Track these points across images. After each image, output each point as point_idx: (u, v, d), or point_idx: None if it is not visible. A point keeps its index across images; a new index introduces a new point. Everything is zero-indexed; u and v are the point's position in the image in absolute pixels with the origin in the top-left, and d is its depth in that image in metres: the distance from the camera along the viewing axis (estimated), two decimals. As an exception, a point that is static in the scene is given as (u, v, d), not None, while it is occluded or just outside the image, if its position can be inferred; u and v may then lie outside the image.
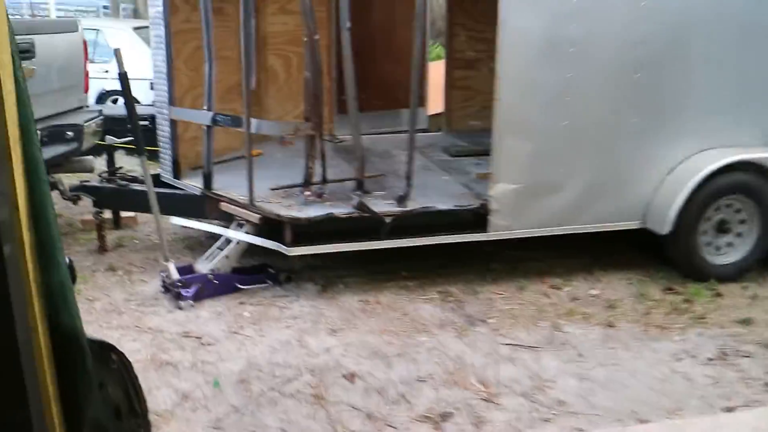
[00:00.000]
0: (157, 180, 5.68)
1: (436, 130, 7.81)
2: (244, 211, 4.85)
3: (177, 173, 5.51)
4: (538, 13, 4.46)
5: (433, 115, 7.93)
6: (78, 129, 6.06)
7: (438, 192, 5.15)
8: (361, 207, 4.59)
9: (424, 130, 7.72)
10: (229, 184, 5.31)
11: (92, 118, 6.34)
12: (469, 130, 7.31)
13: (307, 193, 4.83)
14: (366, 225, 4.69)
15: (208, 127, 5.06)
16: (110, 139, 5.95)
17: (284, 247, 4.64)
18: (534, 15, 4.45)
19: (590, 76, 4.66)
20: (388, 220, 4.62)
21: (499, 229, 4.81)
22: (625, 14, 4.61)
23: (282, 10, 6.60)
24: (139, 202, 5.47)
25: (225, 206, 5.03)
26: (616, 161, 4.90)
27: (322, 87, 4.62)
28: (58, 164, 6.01)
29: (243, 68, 4.64)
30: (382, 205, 4.78)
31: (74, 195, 5.64)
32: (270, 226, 4.75)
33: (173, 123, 5.39)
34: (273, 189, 5.20)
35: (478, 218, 4.81)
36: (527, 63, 4.55)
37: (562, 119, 4.69)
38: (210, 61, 5.07)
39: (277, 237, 4.71)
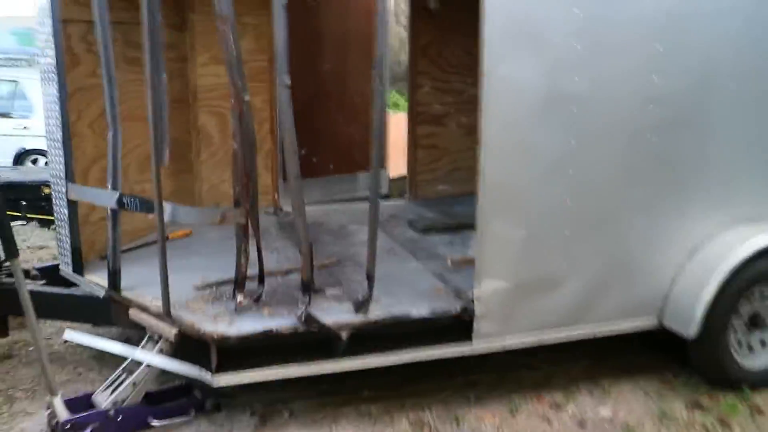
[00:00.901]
0: (55, 274, 4.53)
1: (399, 194, 6.81)
2: (158, 323, 3.73)
3: (78, 266, 4.36)
4: (533, 61, 3.48)
5: (395, 179, 6.93)
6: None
7: (406, 288, 4.09)
8: (309, 320, 3.51)
9: (385, 197, 6.72)
10: (146, 280, 4.18)
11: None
12: (437, 196, 6.32)
13: (240, 298, 3.73)
14: (316, 339, 3.60)
15: (113, 210, 3.96)
16: None
17: (208, 375, 3.52)
18: (528, 64, 3.47)
19: (597, 140, 3.69)
20: (344, 335, 3.54)
21: (486, 338, 3.77)
22: (639, 65, 3.66)
23: (215, 60, 5.55)
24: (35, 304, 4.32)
25: (134, 315, 3.91)
26: (627, 244, 3.91)
27: (255, 161, 3.56)
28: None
29: (151, 137, 3.56)
30: (336, 313, 3.70)
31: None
32: (192, 343, 3.63)
33: (72, 203, 4.26)
34: (198, 287, 4.10)
35: (459, 325, 3.77)
36: (519, 125, 3.56)
37: (562, 195, 3.69)
38: (115, 127, 3.99)
39: (201, 357, 3.59)
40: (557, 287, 3.80)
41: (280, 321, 3.58)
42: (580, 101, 3.60)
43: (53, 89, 4.20)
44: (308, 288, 3.63)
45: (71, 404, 3.63)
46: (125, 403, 3.65)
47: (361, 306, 3.67)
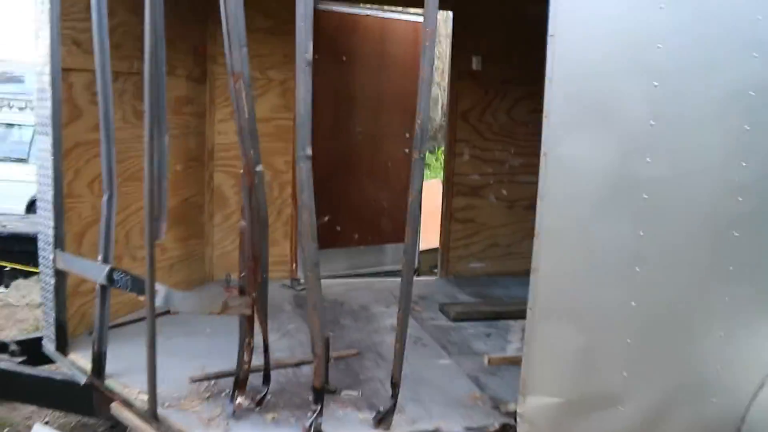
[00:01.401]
0: (38, 349, 4.00)
1: (430, 269, 6.24)
2: (141, 424, 3.16)
3: (63, 343, 3.82)
4: (600, 139, 2.93)
5: (425, 251, 6.37)
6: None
7: (436, 392, 3.49)
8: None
9: (414, 272, 6.13)
10: (139, 365, 3.63)
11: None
12: (472, 274, 5.73)
13: (239, 400, 3.15)
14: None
15: (102, 286, 3.43)
16: None
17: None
18: (595, 142, 2.92)
19: (670, 234, 3.09)
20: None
21: (530, 465, 3.14)
22: (723, 146, 3.09)
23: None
24: (9, 388, 3.79)
25: (116, 410, 3.34)
26: (701, 358, 3.28)
27: (266, 242, 3.02)
28: None
29: (145, 208, 3.05)
30: (352, 425, 3.11)
31: None
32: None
33: (60, 273, 3.75)
34: (195, 380, 3.53)
35: (497, 447, 3.15)
36: (581, 212, 2.98)
37: (628, 298, 3.09)
38: (110, 190, 3.50)
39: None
40: (616, 406, 3.16)
41: (284, 430, 2.98)
42: (652, 187, 3.02)
43: (47, 143, 3.72)
44: (320, 397, 3.04)
45: None
46: None
47: (382, 420, 3.07)
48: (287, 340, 4.23)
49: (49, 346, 3.90)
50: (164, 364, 3.49)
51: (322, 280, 5.43)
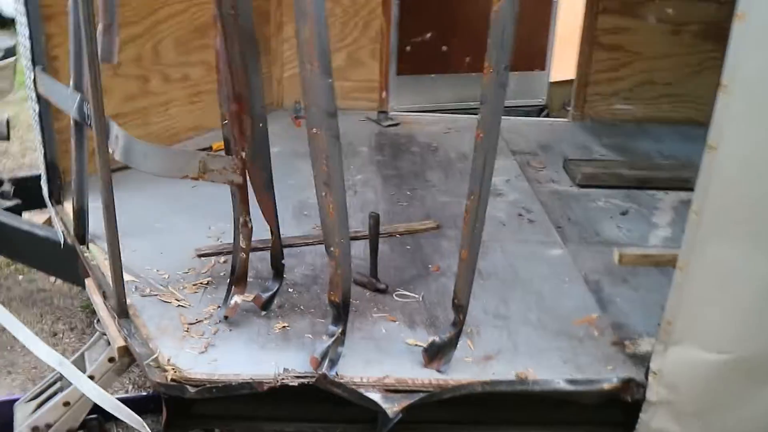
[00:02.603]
0: (37, 192, 3.16)
1: (562, 106, 4.91)
2: (107, 318, 2.28)
3: (55, 187, 2.97)
4: None
5: (557, 83, 4.99)
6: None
7: (531, 308, 2.37)
8: (326, 382, 1.90)
9: (541, 109, 4.84)
10: (138, 226, 2.76)
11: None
12: (615, 118, 4.37)
13: (236, 299, 2.17)
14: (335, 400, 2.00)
15: (76, 123, 2.46)
16: None
17: (153, 434, 2.06)
18: None
19: None
20: (394, 409, 1.90)
21: (660, 443, 2.01)
22: None
23: None
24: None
25: (90, 289, 2.48)
26: None
27: (258, 68, 1.89)
28: None
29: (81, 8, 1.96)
30: (391, 355, 2.07)
31: None
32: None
33: (44, 100, 2.81)
34: (200, 254, 2.59)
35: (611, 407, 2.04)
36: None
37: None
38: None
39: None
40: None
41: (281, 358, 1.99)
42: None
43: None
44: (341, 316, 1.99)
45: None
46: (51, 430, 2.30)
47: (435, 356, 2.00)
48: (347, 199, 3.17)
49: (44, 189, 3.07)
50: (176, 225, 2.64)
51: (417, 115, 4.31)
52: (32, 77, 2.80)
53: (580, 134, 4.21)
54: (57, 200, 2.96)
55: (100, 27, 2.04)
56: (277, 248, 2.15)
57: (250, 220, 2.07)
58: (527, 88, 4.85)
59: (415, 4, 4.29)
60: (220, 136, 2.05)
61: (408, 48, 4.36)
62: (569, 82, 4.64)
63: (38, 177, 3.14)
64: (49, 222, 3.09)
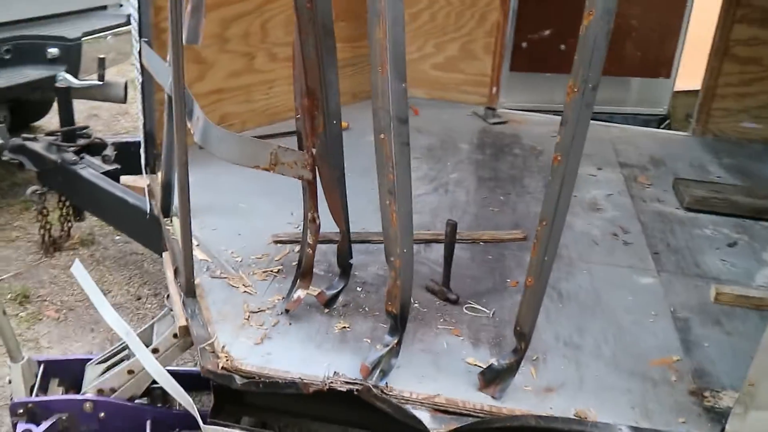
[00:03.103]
0: (131, 157, 3.25)
1: (684, 118, 4.61)
2: (174, 295, 2.30)
3: (150, 158, 3.04)
4: None
5: (681, 92, 4.69)
6: (69, 45, 3.75)
7: (607, 338, 2.21)
8: (368, 393, 1.84)
9: (662, 119, 4.57)
10: (225, 202, 2.80)
11: (108, 28, 3.98)
12: (740, 136, 4.06)
13: (299, 293, 2.14)
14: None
15: (168, 98, 2.49)
16: (65, 79, 3.51)
17: (199, 417, 2.05)
18: None
19: None
20: (440, 430, 1.82)
21: None
22: None
23: None
24: (85, 195, 3.14)
25: (165, 263, 2.52)
26: None
27: (333, 66, 1.83)
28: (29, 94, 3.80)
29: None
30: (446, 373, 1.99)
31: (13, 156, 3.38)
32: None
33: (146, 71, 2.86)
34: (276, 240, 2.59)
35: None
36: None
37: None
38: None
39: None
40: None
41: (335, 360, 1.94)
42: None
43: None
44: (398, 326, 1.92)
45: (54, 368, 2.44)
46: (114, 395, 2.35)
47: (491, 382, 1.90)
48: (437, 197, 3.10)
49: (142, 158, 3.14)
50: (259, 207, 2.67)
51: (525, 114, 4.14)
52: (138, 48, 2.86)
53: (699, 151, 3.93)
54: (152, 170, 3.03)
55: (188, 8, 2.03)
56: (344, 247, 2.10)
57: (318, 216, 2.02)
58: (649, 96, 4.58)
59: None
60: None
61: (524, 44, 4.19)
62: (695, 92, 4.34)
63: (137, 142, 3.23)
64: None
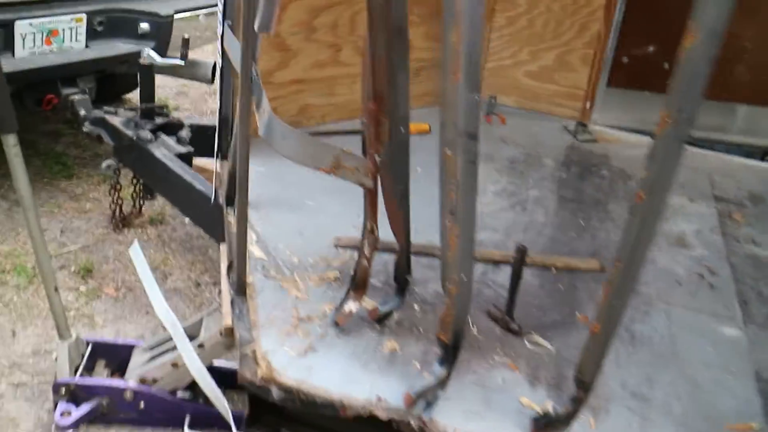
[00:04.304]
0: (207, 140, 3.20)
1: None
2: (225, 292, 2.23)
3: (222, 145, 2.98)
4: None
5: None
6: (160, 22, 3.75)
7: (679, 394, 2.01)
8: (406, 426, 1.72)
9: (766, 152, 4.25)
10: (291, 198, 2.72)
11: (200, 7, 3.97)
12: None
13: (350, 306, 2.03)
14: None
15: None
16: (149, 56, 3.47)
17: (233, 423, 1.97)
18: None
19: None
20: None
21: None
22: None
23: None
24: (154, 175, 3.12)
25: (221, 257, 2.46)
26: None
27: (405, 71, 1.70)
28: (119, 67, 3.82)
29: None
30: (496, 412, 1.84)
31: (92, 128, 3.39)
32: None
33: (226, 57, 2.80)
34: (339, 244, 2.49)
35: None
36: None
37: None
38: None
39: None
40: None
41: (380, 383, 1.83)
42: None
43: None
44: (449, 356, 1.78)
45: (102, 349, 2.42)
46: (156, 386, 2.31)
47: (545, 426, 1.75)
48: (513, 215, 2.93)
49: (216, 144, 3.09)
50: (326, 206, 2.58)
51: (619, 132, 3.90)
52: (221, 32, 2.80)
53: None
54: (224, 156, 2.97)
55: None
56: (402, 262, 1.98)
57: (377, 227, 1.90)
58: (756, 126, 4.26)
59: (642, 13, 3.85)
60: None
61: (625, 59, 3.95)
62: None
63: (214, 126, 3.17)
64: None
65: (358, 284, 2.03)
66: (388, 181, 1.77)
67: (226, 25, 2.73)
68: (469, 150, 1.51)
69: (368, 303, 2.08)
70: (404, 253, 1.96)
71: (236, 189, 2.02)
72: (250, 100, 1.92)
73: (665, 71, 4.07)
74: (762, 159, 4.25)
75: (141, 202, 3.52)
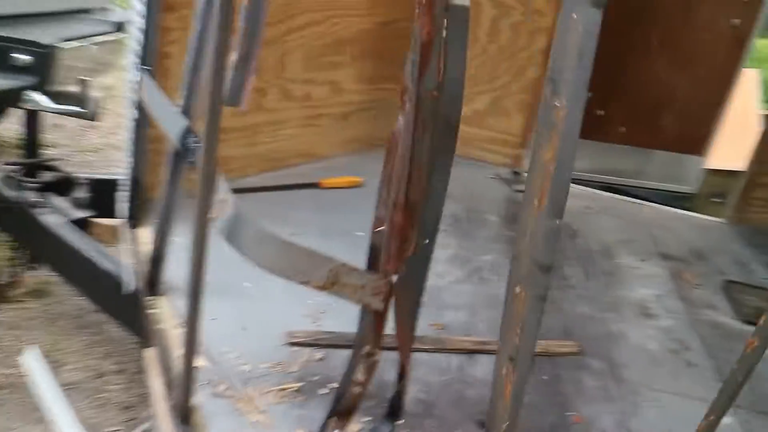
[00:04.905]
0: (106, 198, 2.70)
1: (713, 197, 4.26)
2: (164, 419, 1.78)
3: (134, 211, 2.49)
4: None
5: (713, 171, 4.33)
6: (41, 52, 3.18)
7: None
8: None
9: (684, 197, 4.21)
10: (225, 282, 2.27)
11: (87, 35, 3.42)
12: (781, 231, 3.71)
13: (333, 436, 1.64)
14: None
15: (176, 153, 1.97)
16: (34, 101, 2.91)
17: None
18: None
19: None
20: None
21: None
22: None
23: None
24: (44, 246, 2.58)
25: (146, 363, 1.99)
26: None
27: (445, 172, 1.35)
28: None
29: (214, 34, 1.45)
30: None
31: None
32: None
33: (142, 107, 2.33)
34: (294, 341, 2.08)
35: None
36: None
37: None
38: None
39: None
40: None
41: None
42: None
43: None
44: None
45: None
46: None
47: None
48: (471, 287, 2.63)
49: (121, 210, 2.59)
50: (268, 289, 2.24)
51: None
52: (137, 78, 2.33)
53: (738, 243, 3.55)
54: (135, 224, 2.49)
55: (233, 56, 1.53)
56: (403, 390, 1.62)
57: (379, 353, 1.53)
58: (677, 172, 4.22)
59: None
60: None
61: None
62: (730, 173, 3.99)
63: (117, 182, 2.67)
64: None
65: (343, 412, 1.64)
66: (405, 300, 1.41)
67: (144, 72, 2.28)
68: (539, 284, 1.18)
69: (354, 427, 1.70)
70: (406, 378, 1.60)
71: (187, 307, 1.59)
72: (213, 188, 1.50)
73: (598, 118, 3.94)
74: (681, 204, 4.21)
75: (21, 271, 2.94)
